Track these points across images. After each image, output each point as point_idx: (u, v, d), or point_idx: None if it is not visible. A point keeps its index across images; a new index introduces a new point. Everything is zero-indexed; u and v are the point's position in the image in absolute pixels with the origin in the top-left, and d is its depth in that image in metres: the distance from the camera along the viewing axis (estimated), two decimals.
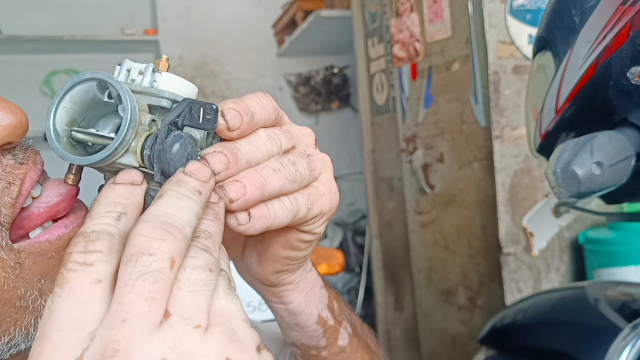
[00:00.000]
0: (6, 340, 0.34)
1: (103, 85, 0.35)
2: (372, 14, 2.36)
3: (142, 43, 3.26)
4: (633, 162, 0.69)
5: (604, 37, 0.69)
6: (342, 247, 3.39)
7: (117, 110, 0.35)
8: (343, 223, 3.41)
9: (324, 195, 0.40)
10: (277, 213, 0.37)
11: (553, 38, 0.79)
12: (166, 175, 0.34)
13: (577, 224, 1.73)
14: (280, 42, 3.34)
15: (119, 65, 0.36)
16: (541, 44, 0.82)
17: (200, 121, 0.35)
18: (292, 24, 3.11)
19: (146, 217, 0.29)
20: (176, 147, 0.34)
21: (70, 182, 0.36)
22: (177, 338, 0.27)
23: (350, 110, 3.53)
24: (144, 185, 0.33)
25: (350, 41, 2.65)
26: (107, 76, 0.34)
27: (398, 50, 2.09)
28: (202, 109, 0.35)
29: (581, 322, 0.95)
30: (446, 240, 2.01)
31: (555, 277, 1.70)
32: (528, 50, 1.72)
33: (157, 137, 0.34)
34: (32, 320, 0.34)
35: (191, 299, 0.28)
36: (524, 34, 1.74)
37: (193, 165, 0.33)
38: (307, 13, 2.90)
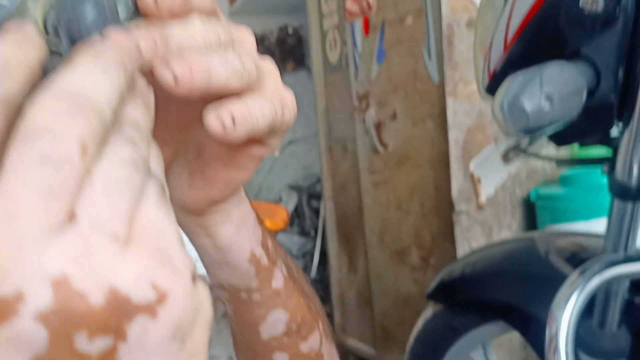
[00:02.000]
0: None
1: None
2: None
3: None
4: (584, 96, 0.64)
5: None
6: (297, 211, 3.35)
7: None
8: (298, 187, 3.36)
9: (292, 105, 0.35)
10: (258, 117, 0.31)
11: None
12: (75, 42, 0.26)
13: (529, 180, 1.71)
14: (232, 1, 3.24)
15: None
16: None
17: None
18: None
19: (50, 86, 0.21)
20: (91, 13, 0.26)
21: None
22: (84, 248, 0.20)
23: (305, 72, 3.45)
24: (39, 45, 0.24)
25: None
26: None
27: (351, 5, 2.03)
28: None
29: (529, 272, 0.92)
30: (399, 200, 1.98)
31: (507, 235, 1.68)
32: None
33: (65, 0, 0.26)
34: None
35: (107, 201, 0.21)
36: None
37: (115, 32, 0.25)
38: None
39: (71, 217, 0.20)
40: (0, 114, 0.22)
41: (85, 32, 0.26)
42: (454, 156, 1.67)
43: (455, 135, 1.68)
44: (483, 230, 1.68)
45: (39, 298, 0.19)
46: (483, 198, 0.83)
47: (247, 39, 0.35)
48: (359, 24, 2.02)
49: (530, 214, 1.70)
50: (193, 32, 0.30)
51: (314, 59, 2.42)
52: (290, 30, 3.44)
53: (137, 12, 0.30)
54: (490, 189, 0.83)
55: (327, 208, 2.49)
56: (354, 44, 2.06)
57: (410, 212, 1.93)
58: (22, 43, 0.23)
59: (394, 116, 1.95)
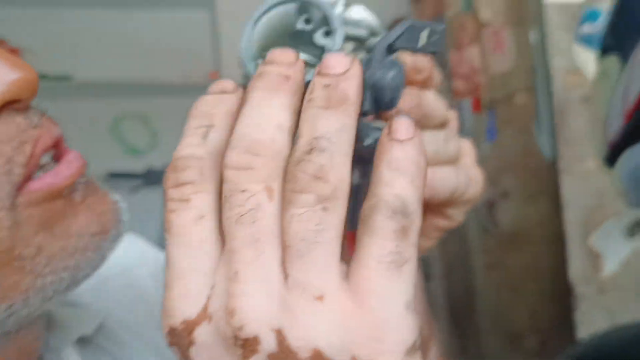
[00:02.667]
0: (6, 306, 0.30)
1: (304, 9, 0.30)
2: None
3: (206, 87, 3.33)
4: None
5: None
6: None
7: (312, 40, 0.30)
8: None
9: (477, 180, 0.37)
10: (440, 184, 0.33)
11: (618, 39, 0.73)
12: (379, 103, 0.28)
13: None
14: None
15: None
16: (605, 48, 0.76)
17: (425, 43, 0.29)
18: None
19: (233, 139, 0.24)
20: (392, 73, 0.28)
21: None
22: (293, 307, 0.22)
23: None
24: (239, 92, 0.27)
25: None
26: None
27: (458, 84, 2.04)
28: (428, 29, 0.29)
29: None
30: (513, 281, 1.90)
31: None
32: None
33: (369, 60, 0.28)
34: (32, 282, 0.31)
35: (301, 262, 0.22)
36: (591, 62, 1.66)
37: (273, 52, 0.26)
38: None
39: (285, 275, 0.23)
40: (212, 166, 0.25)
41: (388, 89, 0.27)
42: (570, 236, 1.59)
43: (571, 214, 1.61)
44: (605, 315, 1.57)
45: (268, 344, 0.22)
46: (606, 274, 0.78)
47: (454, 119, 0.38)
48: (467, 103, 2.03)
49: None
50: (435, 99, 0.33)
51: None
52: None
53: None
54: (612, 265, 0.79)
55: (436, 289, 2.43)
56: (462, 122, 2.06)
57: (525, 295, 1.85)
58: (222, 97, 0.27)
59: (505, 195, 1.90)
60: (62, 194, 0.32)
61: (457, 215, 0.38)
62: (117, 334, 0.45)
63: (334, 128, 0.24)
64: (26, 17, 3.19)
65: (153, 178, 2.06)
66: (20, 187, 0.30)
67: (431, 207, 0.36)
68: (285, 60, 0.26)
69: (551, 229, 1.70)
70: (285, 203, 0.23)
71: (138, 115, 3.39)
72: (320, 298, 0.22)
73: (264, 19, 0.30)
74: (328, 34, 0.29)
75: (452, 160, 0.35)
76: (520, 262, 1.85)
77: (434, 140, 0.33)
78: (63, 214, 0.31)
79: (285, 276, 0.23)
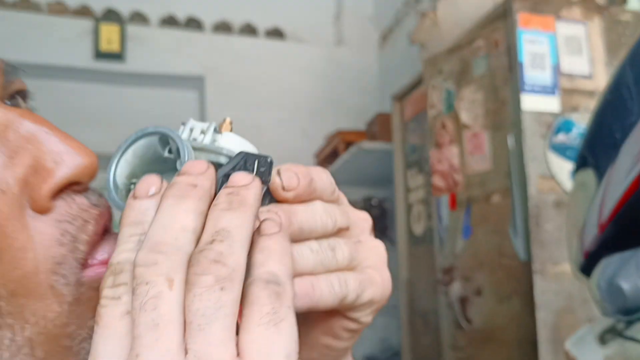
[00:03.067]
0: None
1: (164, 141, 0.35)
2: (413, 145, 2.41)
3: None
4: None
5: None
6: None
7: (177, 166, 0.35)
8: (374, 359, 3.26)
9: (376, 283, 0.38)
10: (322, 294, 0.35)
11: (594, 155, 0.78)
12: None
13: None
14: None
15: (183, 124, 0.37)
16: (582, 161, 0.81)
17: (255, 173, 0.34)
18: (333, 154, 3.19)
19: (144, 242, 0.28)
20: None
21: None
22: None
23: (387, 243, 3.51)
24: (153, 197, 0.32)
25: (390, 174, 2.68)
26: (168, 130, 0.35)
27: (438, 181, 2.11)
28: (256, 161, 0.34)
29: None
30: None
31: None
32: (569, 185, 1.71)
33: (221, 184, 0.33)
34: None
35: (202, 335, 0.26)
36: (564, 170, 1.73)
37: (186, 164, 0.32)
38: (348, 144, 2.98)
39: (186, 350, 0.26)
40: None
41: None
42: (542, 338, 1.61)
43: (543, 316, 1.64)
44: None
45: None
46: None
47: (363, 218, 0.40)
48: (445, 199, 2.08)
49: None
50: (314, 215, 0.35)
51: (399, 230, 2.48)
52: (374, 202, 3.56)
53: (271, 197, 0.36)
54: None
55: None
56: (439, 217, 2.11)
57: None
58: (148, 204, 0.31)
59: (478, 292, 1.92)
60: None
61: (363, 317, 0.39)
62: None
63: (234, 224, 0.29)
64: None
65: None
66: (84, 263, 0.33)
67: (331, 311, 0.38)
68: (195, 171, 0.31)
69: (523, 329, 1.72)
70: (188, 285, 0.27)
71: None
72: None
73: (130, 151, 0.35)
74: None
75: (343, 267, 0.37)
76: None
77: (318, 249, 0.35)
78: None
79: (186, 351, 0.26)
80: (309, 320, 0.40)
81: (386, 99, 2.91)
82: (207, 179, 0.31)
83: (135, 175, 0.35)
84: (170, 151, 0.35)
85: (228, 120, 0.37)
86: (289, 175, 0.35)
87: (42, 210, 0.33)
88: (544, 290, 1.66)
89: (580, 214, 0.80)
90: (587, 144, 0.79)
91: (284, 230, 0.32)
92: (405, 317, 2.42)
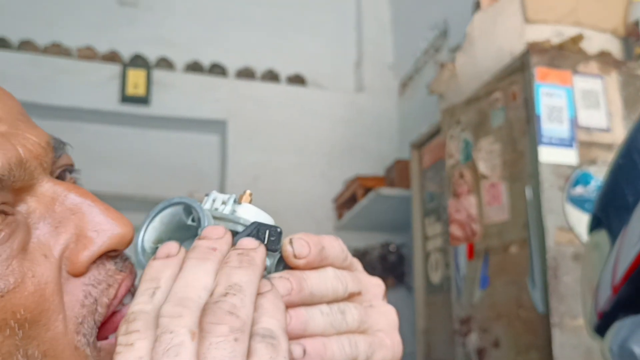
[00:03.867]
0: None
1: (188, 210, 0.39)
2: (431, 193, 2.42)
3: None
4: None
5: None
6: None
7: (198, 233, 0.39)
8: None
9: (386, 347, 0.40)
10: (334, 354, 0.37)
11: (607, 217, 0.80)
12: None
13: None
14: (340, 216, 3.44)
15: (206, 195, 0.41)
16: (596, 223, 0.82)
17: (265, 242, 0.37)
18: (352, 200, 3.21)
19: (170, 296, 0.32)
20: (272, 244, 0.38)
21: None
22: None
23: (404, 290, 3.49)
24: (181, 254, 0.35)
25: (408, 220, 2.69)
26: (192, 201, 0.39)
27: (455, 230, 2.11)
28: (267, 231, 0.38)
29: None
30: None
31: None
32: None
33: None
34: None
35: None
36: (582, 222, 1.73)
37: (206, 229, 0.36)
38: (367, 190, 3.00)
39: None
40: (155, 319, 0.32)
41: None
42: None
43: None
44: None
45: None
46: None
47: (376, 284, 0.42)
48: (462, 249, 2.08)
49: None
50: (325, 280, 0.38)
51: (416, 278, 2.48)
52: (392, 248, 3.56)
53: (286, 265, 0.39)
54: None
55: None
56: (457, 267, 2.11)
57: None
58: (167, 263, 0.36)
59: (496, 343, 1.91)
60: None
61: None
62: None
63: (244, 280, 0.33)
64: (47, 127, 3.31)
65: None
66: (100, 327, 0.36)
67: None
68: (214, 236, 0.35)
69: None
70: (203, 334, 0.30)
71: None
72: None
73: (157, 219, 0.39)
74: None
75: (354, 330, 0.39)
76: None
77: (328, 312, 0.38)
78: None
79: None
80: None
81: (405, 145, 2.94)
82: (225, 243, 0.35)
83: (160, 241, 0.39)
84: (193, 220, 0.39)
85: (248, 192, 0.41)
86: (301, 244, 0.37)
87: (78, 274, 0.37)
88: (562, 344, 1.64)
89: (594, 274, 0.81)
90: (600, 206, 0.81)
91: (274, 289, 0.35)
92: None
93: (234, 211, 0.39)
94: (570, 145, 1.79)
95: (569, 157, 1.78)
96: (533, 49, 1.85)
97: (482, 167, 1.98)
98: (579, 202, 1.75)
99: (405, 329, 3.42)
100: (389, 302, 0.43)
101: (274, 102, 3.60)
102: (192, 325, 0.30)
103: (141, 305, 0.32)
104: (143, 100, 3.35)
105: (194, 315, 0.31)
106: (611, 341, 0.65)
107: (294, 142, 3.58)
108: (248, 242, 0.35)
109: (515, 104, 1.89)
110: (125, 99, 3.31)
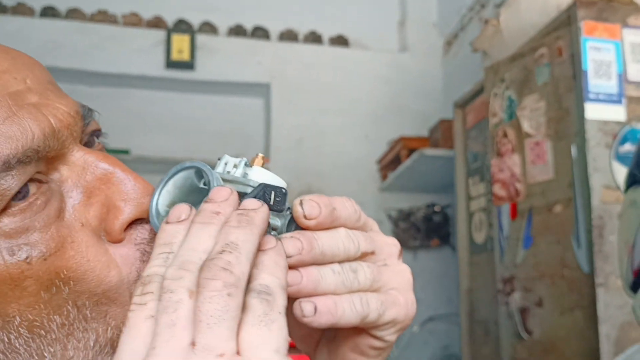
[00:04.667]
0: None
1: (199, 174, 0.40)
2: (474, 153, 2.39)
3: None
4: None
5: None
6: None
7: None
8: None
9: (399, 305, 0.41)
10: (344, 311, 0.38)
11: None
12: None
13: None
14: (384, 177, 3.44)
15: (219, 159, 0.42)
16: (632, 179, 0.81)
17: (271, 203, 0.38)
18: (396, 161, 3.20)
19: (174, 261, 0.34)
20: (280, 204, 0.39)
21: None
22: None
23: (449, 250, 3.48)
24: (192, 217, 0.37)
25: (452, 180, 2.67)
26: (202, 165, 0.40)
27: (498, 190, 2.09)
28: (273, 192, 0.39)
29: None
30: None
31: None
32: None
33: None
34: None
35: (210, 332, 0.31)
36: None
37: (212, 192, 0.37)
38: (411, 151, 2.99)
39: (193, 344, 0.31)
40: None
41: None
42: (604, 352, 1.58)
43: (606, 330, 1.60)
44: None
45: None
46: None
47: (391, 243, 0.43)
48: (505, 208, 2.06)
49: None
50: (337, 240, 0.39)
51: (460, 239, 2.47)
52: (436, 208, 3.54)
53: (296, 225, 0.41)
54: None
55: None
56: (500, 227, 2.09)
57: None
58: (178, 228, 0.37)
59: (539, 303, 1.90)
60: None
61: (387, 336, 0.42)
62: None
63: (241, 239, 0.34)
64: (96, 93, 3.41)
65: None
66: None
67: (358, 329, 0.41)
68: (219, 198, 0.36)
69: (585, 343, 1.69)
70: (199, 289, 0.32)
71: None
72: (222, 355, 0.31)
73: (171, 182, 0.41)
74: None
75: (365, 289, 0.40)
76: None
77: (340, 271, 0.38)
78: None
79: (194, 345, 0.31)
80: (338, 337, 0.44)
81: (449, 105, 2.90)
82: (229, 205, 0.36)
83: (174, 204, 0.40)
84: (205, 183, 0.40)
85: (260, 155, 0.42)
86: (311, 205, 0.39)
87: (116, 241, 0.41)
88: (607, 304, 1.63)
89: (630, 232, 0.80)
90: (637, 162, 0.79)
91: (279, 245, 0.37)
92: (465, 325, 2.40)
93: (245, 174, 0.40)
94: (618, 101, 1.74)
95: (616, 113, 1.73)
96: (580, 2, 1.78)
97: (526, 126, 1.94)
98: (626, 160, 1.70)
99: (450, 288, 3.43)
100: (433, 262, 0.43)
101: (317, 64, 3.59)
102: (191, 285, 0.32)
103: (156, 268, 0.34)
104: (188, 65, 3.39)
105: (194, 276, 0.33)
106: None
107: (338, 103, 3.58)
108: (249, 203, 0.36)
109: (561, 59, 1.84)
110: (171, 64, 3.36)
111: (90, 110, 0.43)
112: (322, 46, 3.67)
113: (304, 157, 3.49)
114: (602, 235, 1.67)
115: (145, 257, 0.40)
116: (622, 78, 1.75)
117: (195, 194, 0.41)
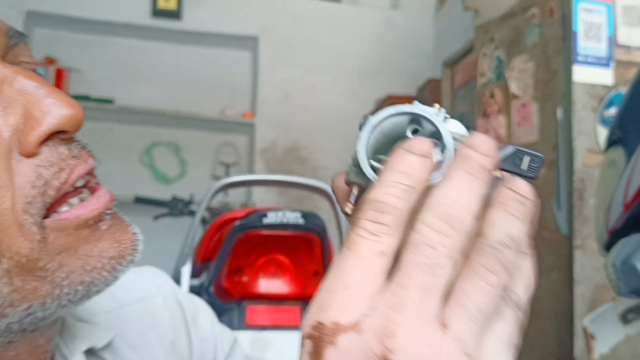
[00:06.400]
0: (25, 307, 0.37)
1: (416, 121, 0.34)
2: (461, 114, 2.38)
3: (238, 125, 3.43)
4: None
5: None
6: None
7: (436, 154, 0.34)
8: None
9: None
10: None
11: (625, 133, 0.77)
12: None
13: None
14: None
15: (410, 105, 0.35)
16: (613, 139, 0.80)
17: (525, 168, 0.33)
18: None
19: (432, 205, 0.29)
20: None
21: (348, 211, 0.35)
22: (447, 353, 0.27)
23: None
24: (434, 158, 0.31)
25: None
26: (427, 113, 0.33)
27: None
28: (530, 157, 0.34)
29: None
30: (517, 353, 1.89)
31: None
32: None
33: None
34: (50, 290, 0.37)
35: (472, 325, 0.27)
36: None
37: (477, 138, 0.30)
38: None
39: (444, 324, 0.27)
40: (404, 220, 0.29)
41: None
42: (579, 312, 1.60)
43: (581, 291, 1.63)
44: None
45: None
46: (596, 356, 0.81)
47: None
48: None
49: None
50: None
51: None
52: None
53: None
54: (604, 348, 0.81)
55: None
56: None
57: None
58: (423, 162, 0.30)
59: None
60: (89, 224, 0.38)
61: None
62: (125, 353, 0.50)
63: (522, 238, 0.29)
64: (80, 41, 3.34)
65: (177, 206, 2.12)
66: (50, 207, 0.36)
67: None
68: (485, 151, 0.29)
69: (560, 303, 1.71)
70: (469, 270, 0.28)
71: (171, 144, 3.49)
72: (469, 355, 0.27)
73: (379, 128, 0.34)
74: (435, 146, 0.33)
75: None
76: (527, 334, 1.85)
77: None
78: (87, 239, 0.38)
79: (444, 325, 0.27)
80: None
81: (439, 65, 2.87)
82: (494, 164, 0.30)
83: (377, 151, 0.34)
84: (414, 132, 0.34)
85: (437, 106, 0.35)
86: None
87: (29, 155, 0.37)
88: (583, 266, 1.65)
89: (608, 192, 0.80)
90: (618, 122, 0.78)
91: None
92: None
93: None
94: (606, 65, 1.73)
95: (604, 77, 1.72)
96: None
97: (514, 87, 1.93)
98: (610, 124, 1.70)
99: None
100: None
101: (307, 18, 3.53)
102: (455, 252, 0.28)
103: (394, 199, 0.29)
104: (175, 15, 3.31)
105: (460, 240, 0.28)
106: (615, 257, 0.65)
107: (327, 60, 3.53)
108: (524, 188, 0.30)
109: (551, 20, 1.81)
110: (157, 12, 3.29)
111: (22, 35, 0.41)
112: (312, 0, 3.60)
113: (291, 113, 3.46)
114: (582, 198, 1.68)
115: (39, 182, 0.36)
116: (612, 41, 1.73)
117: (398, 143, 0.34)
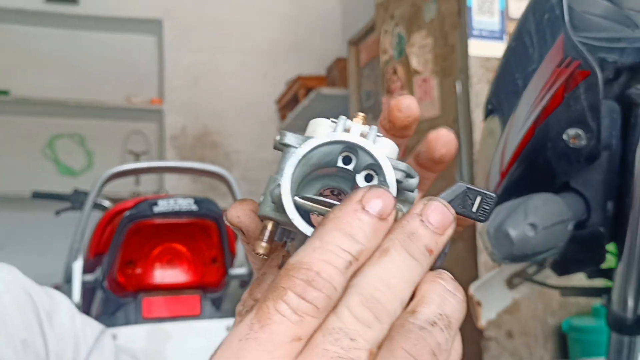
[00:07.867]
0: None
1: (352, 150, 0.30)
2: (368, 92, 2.39)
3: (146, 112, 3.33)
4: (570, 226, 0.66)
5: (542, 98, 0.68)
6: None
7: (344, 175, 0.31)
8: None
9: None
10: None
11: (499, 102, 0.79)
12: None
13: (562, 310, 1.66)
14: (283, 117, 3.40)
15: (333, 121, 0.31)
16: (490, 109, 0.82)
17: (475, 210, 0.31)
18: (294, 100, 3.17)
19: (360, 285, 0.24)
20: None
21: (262, 251, 0.30)
22: None
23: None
24: (391, 218, 0.26)
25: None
26: (366, 144, 0.29)
27: None
28: (479, 197, 0.31)
29: None
30: None
31: None
32: None
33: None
34: None
35: None
36: None
37: (431, 207, 0.26)
38: (309, 90, 2.96)
39: None
40: (337, 300, 0.25)
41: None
42: None
43: (484, 259, 1.67)
44: (513, 358, 1.62)
45: None
46: (483, 322, 0.82)
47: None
48: None
49: (563, 345, 1.63)
50: None
51: None
52: None
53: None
54: (491, 314, 0.83)
55: None
56: None
57: None
58: (379, 227, 0.26)
59: None
60: None
61: None
62: None
63: (455, 316, 0.25)
64: None
65: (79, 199, 2.03)
66: None
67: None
68: (438, 225, 0.26)
69: (466, 272, 1.76)
70: (391, 356, 0.24)
71: (75, 135, 3.34)
72: None
73: (304, 159, 0.29)
74: (369, 178, 0.29)
75: None
76: None
77: None
78: None
79: None
80: None
81: (343, 45, 2.87)
82: (444, 243, 0.26)
83: (300, 183, 0.30)
84: (345, 161, 0.30)
85: (361, 115, 0.31)
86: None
87: None
88: (481, 233, 1.69)
89: (487, 161, 0.81)
90: (493, 92, 0.79)
91: None
92: None
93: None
94: (500, 38, 1.77)
95: (498, 50, 1.76)
96: None
97: (415, 63, 1.95)
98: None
99: None
100: None
101: None
102: (375, 343, 0.24)
103: (332, 270, 0.24)
104: None
105: (383, 332, 0.24)
106: (488, 224, 0.66)
107: (235, 41, 3.47)
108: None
109: None
110: None
111: None
112: None
113: (201, 97, 3.39)
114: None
115: None
116: (504, 15, 1.78)
117: (330, 176, 0.31)
